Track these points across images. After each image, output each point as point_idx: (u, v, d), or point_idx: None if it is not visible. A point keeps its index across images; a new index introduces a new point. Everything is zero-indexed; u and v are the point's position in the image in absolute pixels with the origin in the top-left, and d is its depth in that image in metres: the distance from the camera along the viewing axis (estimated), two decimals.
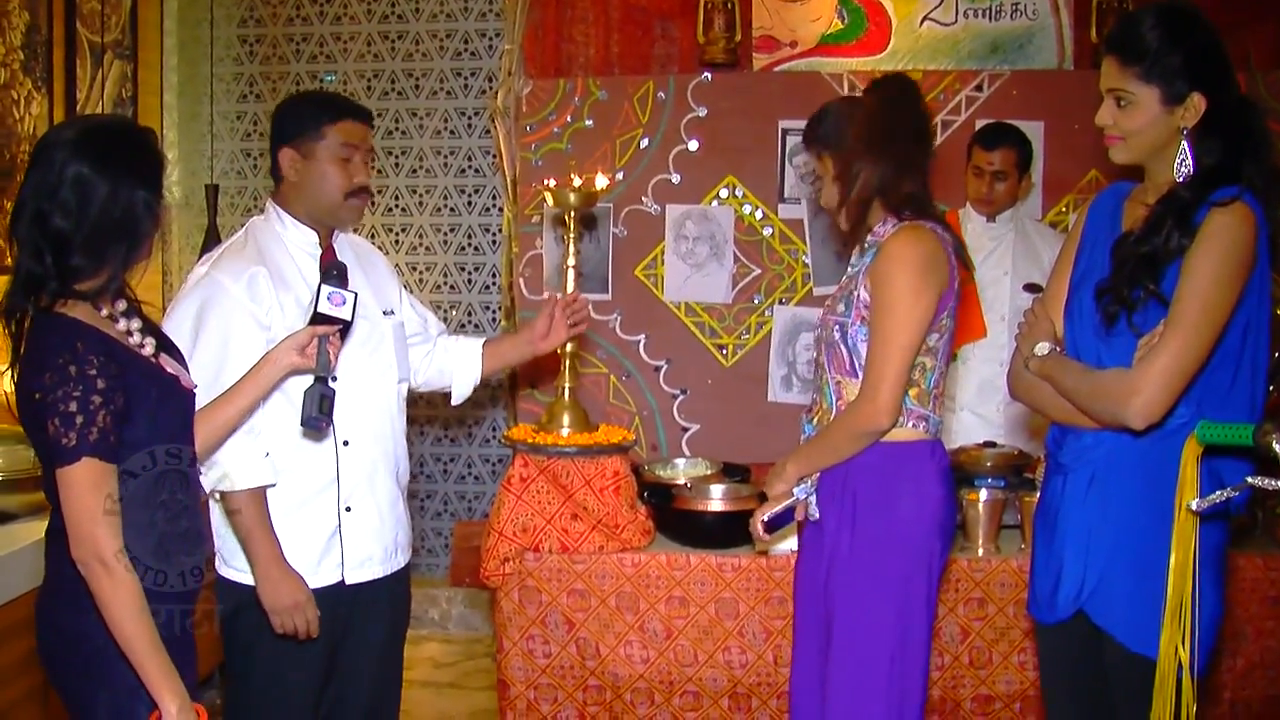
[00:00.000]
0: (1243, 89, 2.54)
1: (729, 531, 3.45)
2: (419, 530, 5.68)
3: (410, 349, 3.26)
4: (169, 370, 2.40)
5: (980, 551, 3.45)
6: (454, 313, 5.68)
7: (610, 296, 4.99)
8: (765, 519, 2.93)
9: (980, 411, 4.31)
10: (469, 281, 5.68)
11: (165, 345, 2.48)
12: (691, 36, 5.07)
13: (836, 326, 2.84)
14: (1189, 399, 2.36)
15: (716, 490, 3.59)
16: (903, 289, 2.72)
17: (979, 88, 4.82)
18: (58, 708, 2.50)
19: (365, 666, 3.09)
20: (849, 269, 2.94)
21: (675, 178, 4.96)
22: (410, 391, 3.30)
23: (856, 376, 2.81)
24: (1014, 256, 4.31)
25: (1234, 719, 3.46)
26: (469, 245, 5.68)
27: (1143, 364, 2.35)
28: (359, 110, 3.03)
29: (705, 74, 4.97)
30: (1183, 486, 2.28)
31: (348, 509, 2.97)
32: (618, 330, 4.99)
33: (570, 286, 3.49)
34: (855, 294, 2.80)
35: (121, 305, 2.37)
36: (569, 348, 3.51)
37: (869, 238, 2.87)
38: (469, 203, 5.67)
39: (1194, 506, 2.26)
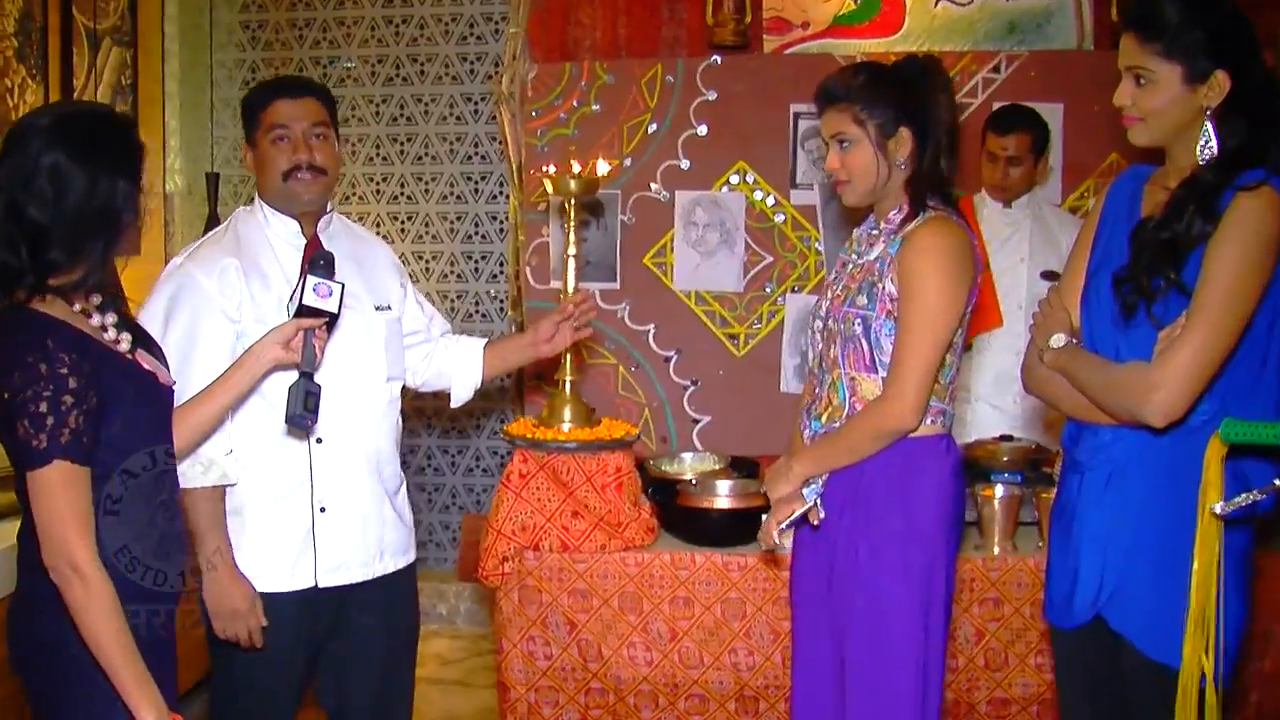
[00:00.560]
0: (1269, 68, 2.41)
1: (735, 529, 3.37)
2: (426, 524, 5.62)
3: (410, 349, 3.18)
4: (145, 367, 2.33)
5: (996, 550, 3.35)
6: (461, 302, 5.59)
7: (618, 285, 4.91)
8: (782, 527, 2.79)
9: (996, 403, 4.24)
10: (476, 271, 5.59)
11: (143, 340, 2.39)
12: (700, 18, 4.96)
13: (858, 320, 2.70)
14: (1212, 395, 2.26)
15: (723, 486, 3.48)
16: (940, 285, 2.61)
17: (996, 69, 4.72)
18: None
19: (365, 671, 3.01)
20: (853, 256, 2.82)
21: (684, 163, 4.87)
22: (410, 389, 3.22)
23: (875, 372, 2.69)
24: (1031, 243, 4.24)
25: None
26: (476, 234, 5.59)
27: (1163, 358, 2.24)
28: (295, 87, 2.97)
29: (715, 57, 4.87)
30: (1206, 488, 2.19)
31: (322, 510, 2.88)
32: (626, 320, 4.92)
33: (571, 277, 3.39)
34: (880, 286, 2.68)
35: (97, 299, 2.29)
36: None
37: (884, 225, 2.75)
38: (476, 190, 5.58)
39: (1218, 510, 2.17)
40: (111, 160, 2.21)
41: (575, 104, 4.88)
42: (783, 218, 4.84)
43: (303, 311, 2.53)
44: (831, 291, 2.82)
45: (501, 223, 5.52)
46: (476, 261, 5.58)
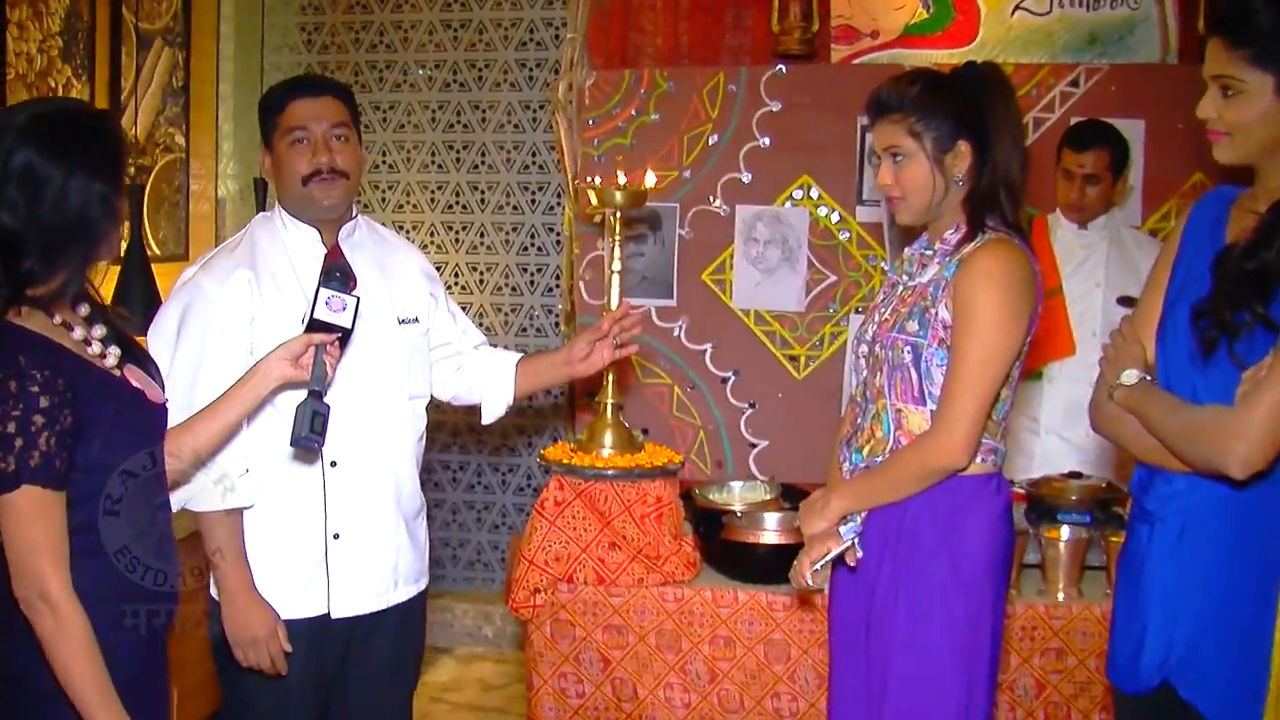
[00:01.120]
0: None
1: (782, 566, 3.12)
2: (475, 543, 5.49)
3: (440, 361, 3.04)
4: (133, 383, 2.18)
5: (1060, 596, 3.15)
6: (515, 316, 5.45)
7: (675, 302, 4.79)
8: (816, 568, 2.60)
9: (1066, 435, 4.03)
10: (531, 284, 5.45)
11: (134, 355, 2.24)
12: (765, 26, 4.84)
13: (908, 348, 2.50)
14: None
15: (770, 520, 3.30)
16: (998, 314, 2.43)
17: (1074, 83, 4.55)
18: None
19: (367, 701, 2.88)
20: (904, 278, 2.63)
21: (746, 176, 4.74)
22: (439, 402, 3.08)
23: (923, 405, 2.50)
24: (1107, 267, 4.05)
25: None
26: (531, 245, 5.45)
27: (1247, 402, 2.04)
28: (313, 86, 2.83)
29: (780, 66, 4.74)
30: None
31: (335, 536, 2.73)
32: (683, 339, 4.79)
33: (615, 293, 3.22)
34: (933, 312, 2.49)
35: (85, 310, 2.15)
36: None
37: (939, 245, 2.56)
38: (532, 201, 5.44)
39: None
40: (88, 161, 2.07)
41: (634, 113, 4.75)
42: (847, 235, 4.70)
43: (314, 326, 2.41)
44: (879, 314, 2.63)
45: (558, 235, 5.38)
46: (532, 274, 5.44)
